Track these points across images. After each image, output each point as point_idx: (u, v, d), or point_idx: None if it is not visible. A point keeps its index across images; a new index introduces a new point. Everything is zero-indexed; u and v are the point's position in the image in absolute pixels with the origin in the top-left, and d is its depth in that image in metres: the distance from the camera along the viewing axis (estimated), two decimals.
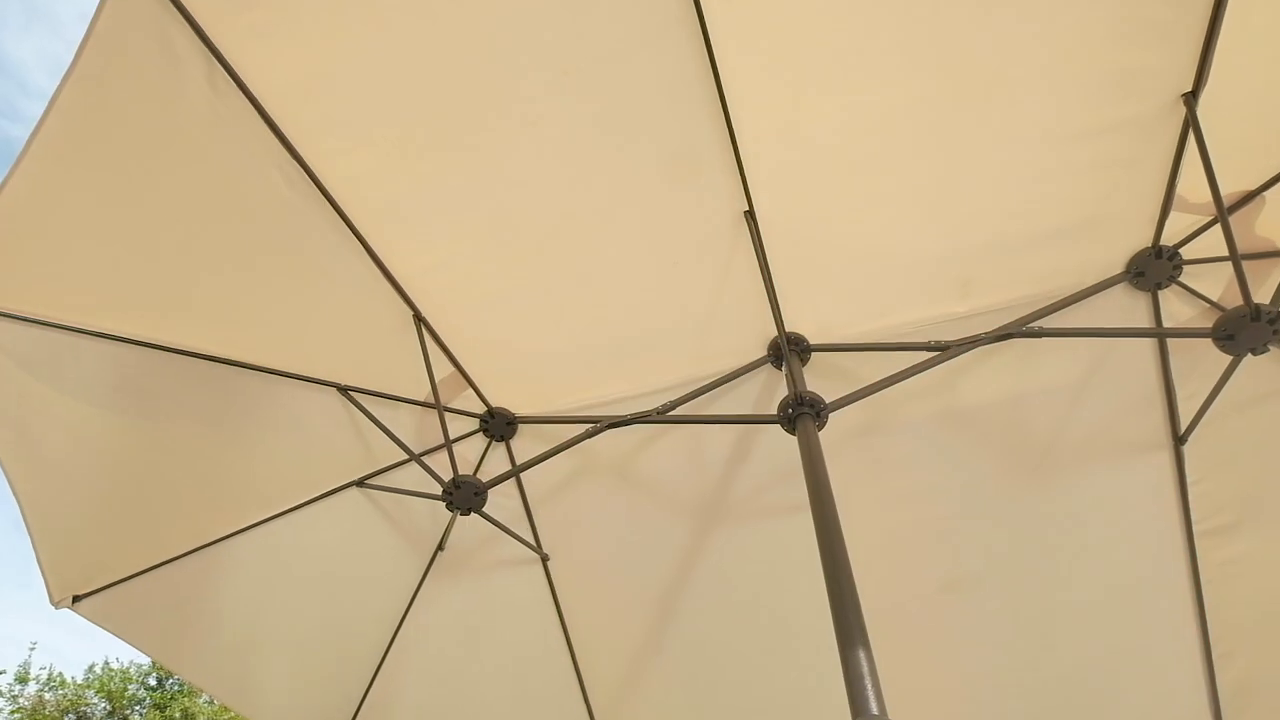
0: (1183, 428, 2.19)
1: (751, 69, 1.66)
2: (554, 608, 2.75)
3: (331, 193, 1.89)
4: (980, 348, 2.07)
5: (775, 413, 1.97)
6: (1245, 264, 1.75)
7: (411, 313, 2.22)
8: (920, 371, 2.02)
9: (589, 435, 2.23)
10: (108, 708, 13.79)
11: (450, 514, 2.64)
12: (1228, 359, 1.84)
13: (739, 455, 2.43)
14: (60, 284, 1.93)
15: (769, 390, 2.35)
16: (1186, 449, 2.22)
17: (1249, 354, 1.76)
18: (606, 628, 2.79)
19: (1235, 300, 1.79)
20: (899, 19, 1.61)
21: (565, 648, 2.78)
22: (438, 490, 2.25)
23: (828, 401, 1.93)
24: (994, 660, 2.51)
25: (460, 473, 2.23)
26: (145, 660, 14.68)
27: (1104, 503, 2.32)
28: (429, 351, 2.27)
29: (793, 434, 1.89)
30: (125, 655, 15.02)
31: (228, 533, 2.46)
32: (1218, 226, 1.83)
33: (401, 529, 2.70)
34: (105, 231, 1.87)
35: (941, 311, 2.17)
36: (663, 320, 2.26)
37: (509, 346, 2.37)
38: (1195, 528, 2.28)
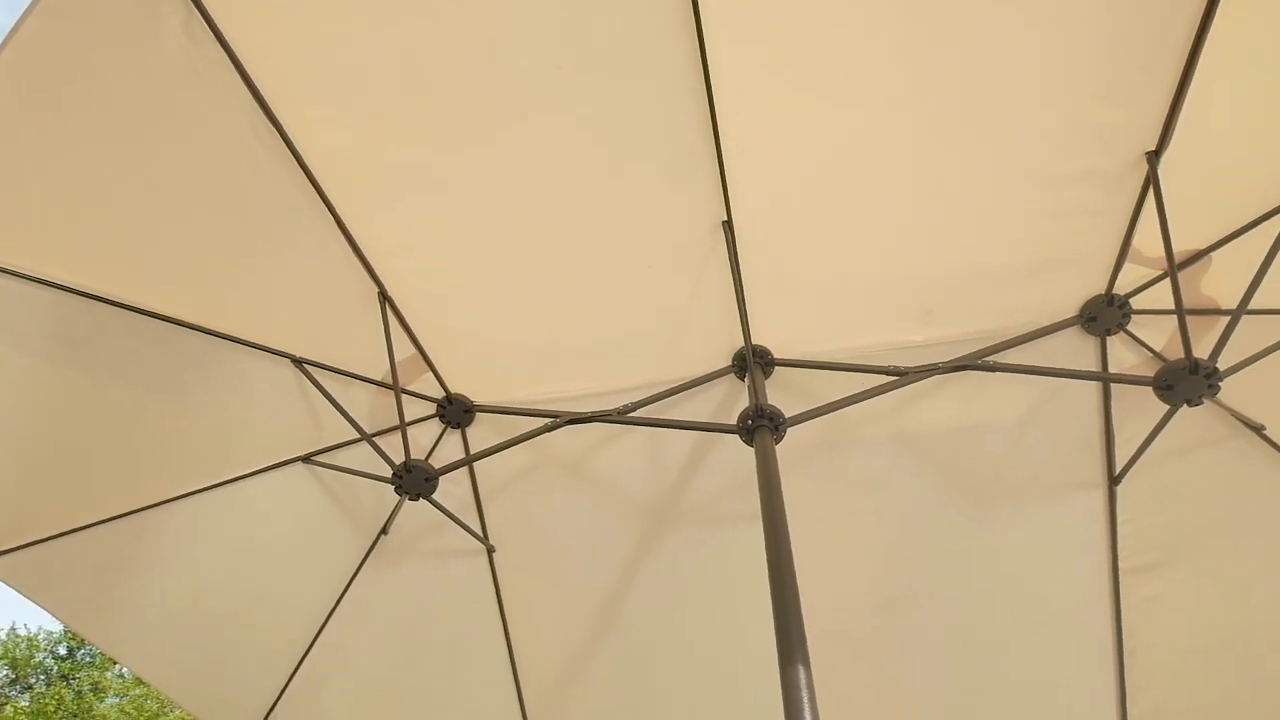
0: (1118, 469, 2.29)
1: (743, 82, 1.68)
2: (495, 600, 2.73)
3: (307, 162, 1.83)
4: (936, 376, 2.13)
5: (735, 423, 1.99)
6: (1189, 319, 1.83)
7: (377, 290, 2.17)
8: (878, 394, 2.07)
9: (547, 429, 2.22)
10: (10, 675, 13.11)
11: (398, 498, 2.59)
12: (1165, 408, 1.93)
13: (695, 462, 2.44)
14: (3, 224, 1.83)
15: (730, 400, 2.38)
16: (1120, 490, 2.32)
17: (1185, 404, 1.85)
18: (546, 624, 2.77)
19: (1177, 352, 1.88)
20: (890, 50, 1.65)
21: (503, 641, 2.76)
22: (387, 473, 2.21)
23: (787, 416, 1.96)
24: (925, 681, 2.59)
25: (412, 457, 2.19)
26: (57, 628, 14.01)
27: (1039, 535, 2.41)
28: (391, 332, 2.22)
29: (750, 445, 1.91)
30: (35, 621, 14.33)
31: (161, 499, 2.36)
32: (1167, 281, 1.92)
33: (345, 509, 2.64)
34: (58, 174, 1.77)
35: (902, 338, 2.23)
36: (631, 322, 2.26)
37: (473, 334, 2.34)
38: (1121, 565, 2.38)
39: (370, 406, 2.51)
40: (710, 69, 1.63)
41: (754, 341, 2.21)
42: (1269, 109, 1.71)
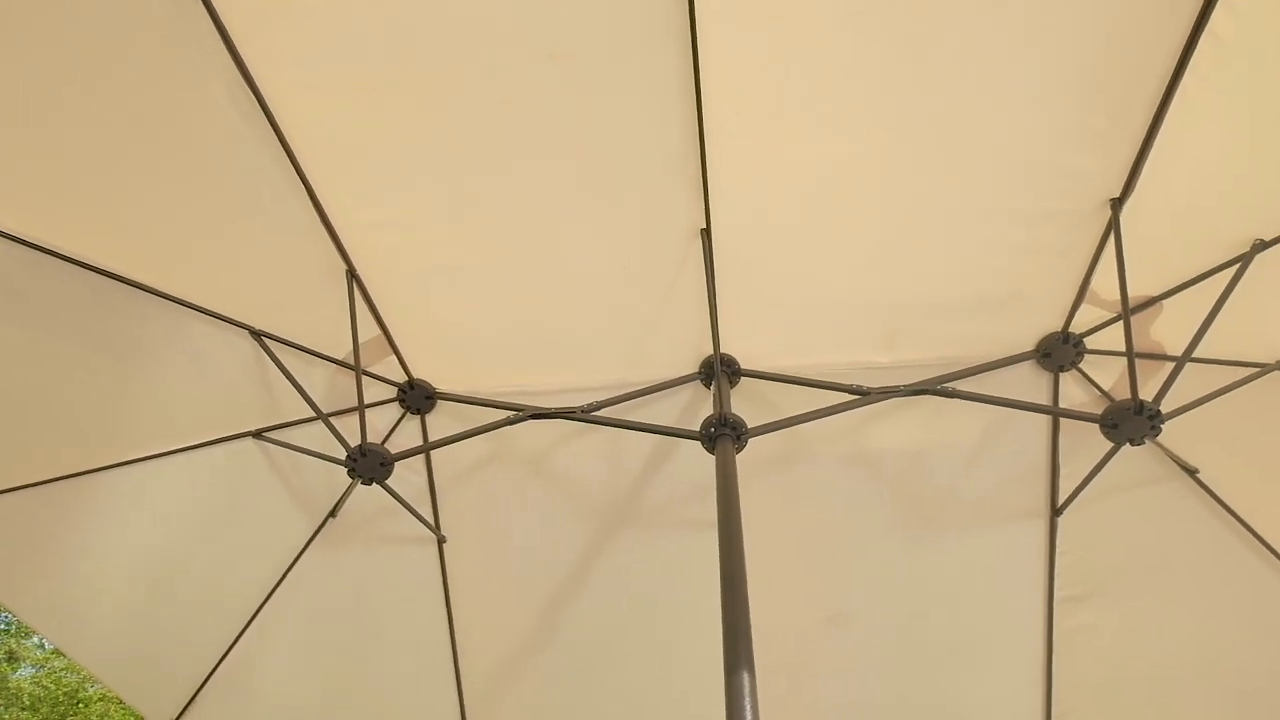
0: (1060, 501, 2.37)
1: (733, 95, 1.69)
2: (442, 591, 2.69)
3: (282, 127, 1.78)
4: (896, 398, 2.17)
5: (698, 429, 2.00)
6: (1138, 362, 1.91)
7: (345, 268, 2.12)
8: (839, 412, 2.10)
9: (509, 422, 2.20)
10: None
11: (350, 481, 2.53)
12: (1109, 445, 2.00)
13: (655, 466, 2.45)
14: None
15: (694, 406, 2.39)
16: (1061, 521, 2.40)
17: (1128, 443, 1.92)
18: (492, 618, 2.75)
19: (1124, 393, 1.96)
20: (877, 87, 1.68)
21: (447, 634, 2.72)
22: (341, 454, 2.16)
23: (749, 426, 1.97)
24: (862, 694, 2.64)
25: (369, 440, 2.15)
26: None
27: (982, 559, 2.49)
28: (356, 311, 2.18)
29: (712, 452, 1.92)
30: None
31: (98, 466, 2.27)
32: (1120, 324, 2.00)
33: (293, 489, 2.57)
34: (12, 115, 1.69)
35: (866, 359, 2.27)
36: (602, 320, 2.26)
37: (440, 320, 2.31)
38: (1056, 594, 2.47)
39: (328, 386, 2.45)
40: (701, 77, 1.64)
41: (722, 351, 2.22)
42: (1226, 168, 1.79)
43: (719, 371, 2.12)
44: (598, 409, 2.20)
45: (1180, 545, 2.37)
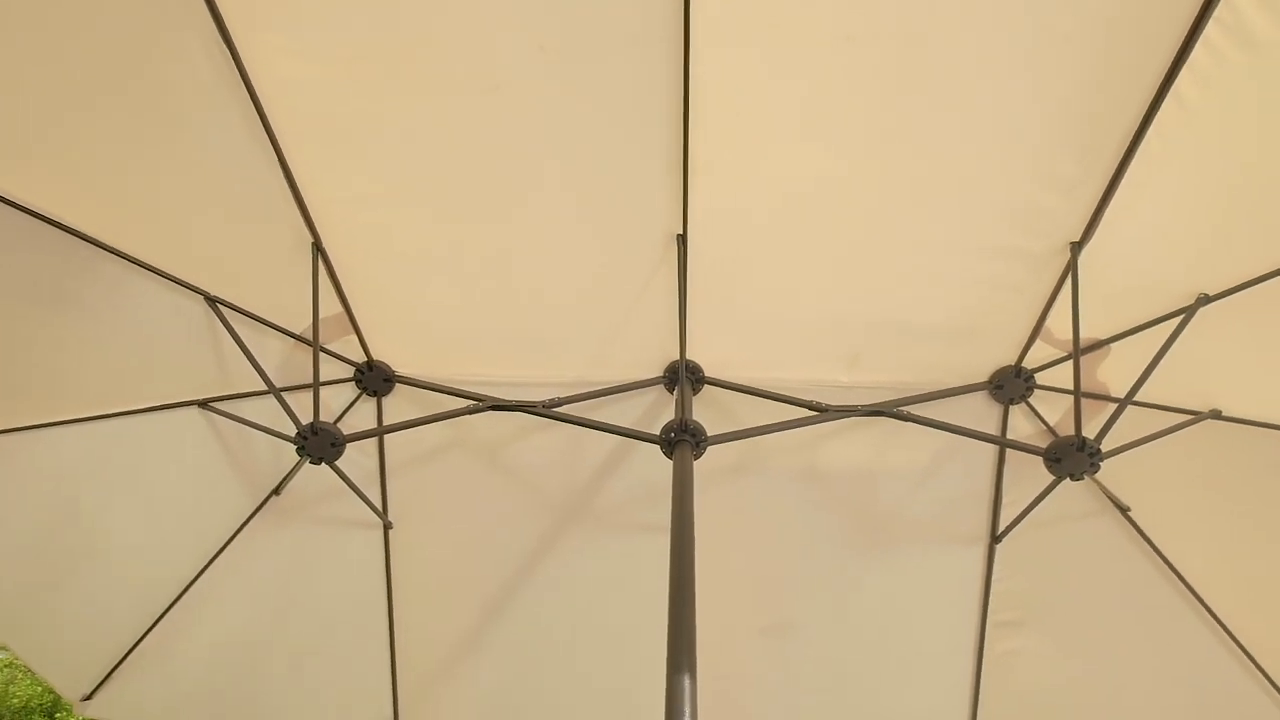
0: (1000, 529, 2.45)
1: (722, 103, 1.70)
2: (384, 579, 2.64)
3: (258, 91, 1.73)
4: (853, 418, 2.22)
5: (658, 433, 2.00)
6: (1084, 401, 1.99)
7: (311, 241, 2.07)
8: (797, 427, 2.13)
9: (469, 412, 2.17)
10: None
11: (297, 459, 2.47)
12: (1050, 478, 2.08)
13: (612, 466, 2.45)
14: None
15: (655, 410, 2.40)
16: (999, 548, 2.48)
17: (1069, 478, 2.00)
18: (434, 609, 2.71)
19: (1068, 430, 2.03)
20: (860, 117, 1.71)
21: (385, 622, 2.67)
22: (291, 431, 2.10)
23: (709, 434, 1.99)
24: (793, 705, 2.68)
25: (321, 419, 2.09)
26: None
27: (921, 580, 2.55)
28: (319, 286, 2.12)
29: (670, 457, 1.93)
30: None
31: (37, 423, 2.17)
32: (1069, 362, 2.07)
33: (237, 464, 2.50)
34: None
35: (827, 377, 2.31)
36: (570, 317, 2.25)
37: (405, 303, 2.27)
38: (990, 618, 2.54)
39: (283, 360, 2.38)
40: (691, 84, 1.65)
41: (688, 357, 2.24)
42: (1179, 223, 1.87)
43: (684, 377, 2.14)
44: (559, 405, 2.19)
45: (1109, 580, 2.47)
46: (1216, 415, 2.15)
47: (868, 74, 1.64)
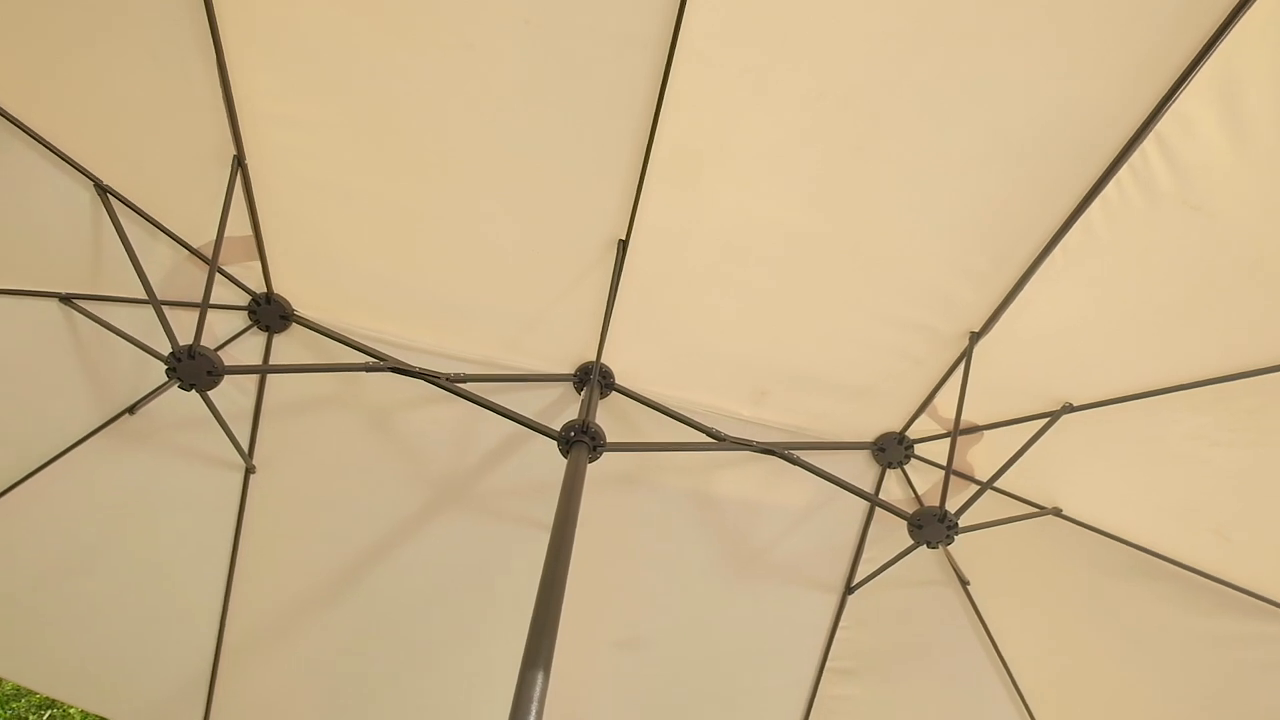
0: (855, 580, 2.60)
1: (691, 121, 1.72)
2: (234, 526, 2.46)
3: None
4: (747, 451, 2.29)
5: (558, 430, 1.99)
6: (952, 478, 2.15)
7: (234, 154, 1.92)
8: (694, 450, 2.18)
9: (366, 369, 2.08)
10: None
11: (165, 380, 2.27)
12: (909, 542, 2.23)
13: (503, 455, 2.40)
14: None
15: (558, 407, 2.38)
16: (851, 599, 2.62)
17: (925, 544, 2.15)
18: (282, 566, 2.55)
19: (934, 501, 2.19)
20: (819, 162, 1.77)
21: (225, 570, 2.49)
22: (164, 350, 1.93)
23: (608, 440, 2.00)
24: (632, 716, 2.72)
25: (202, 343, 1.94)
26: None
27: (775, 616, 2.66)
28: (231, 202, 1.97)
29: (565, 456, 1.92)
30: None
31: None
32: (947, 440, 2.24)
33: (93, 371, 2.26)
34: None
35: (731, 408, 2.37)
36: (494, 294, 2.20)
37: (320, 241, 2.14)
38: (827, 663, 2.68)
39: (171, 271, 2.19)
40: (666, 95, 1.66)
41: (602, 361, 2.24)
42: (1063, 333, 2.06)
43: (595, 379, 2.13)
44: (464, 381, 2.13)
45: (938, 645, 2.67)
46: (1058, 513, 2.38)
47: (830, 134, 1.72)
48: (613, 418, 2.36)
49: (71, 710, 5.42)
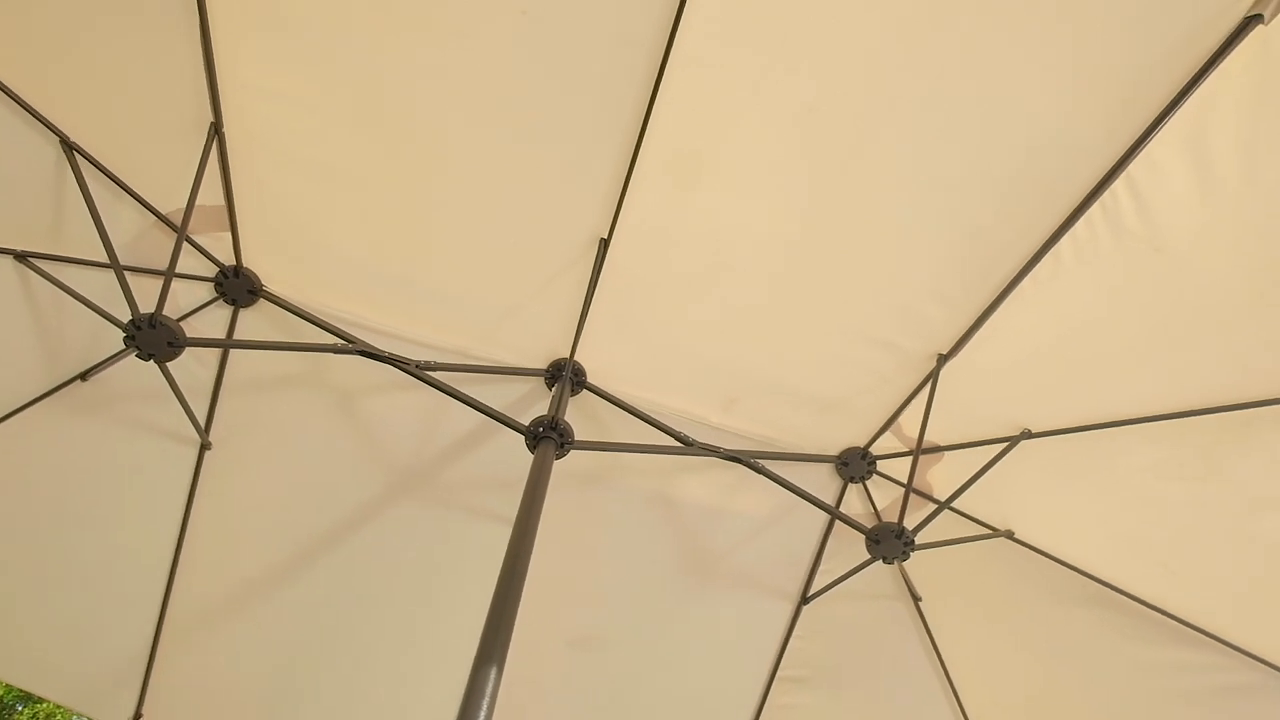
0: (811, 591, 2.62)
1: (681, 126, 1.72)
2: (184, 502, 2.39)
3: None
4: (713, 457, 2.30)
5: (526, 424, 1.97)
6: (911, 496, 2.18)
7: (211, 120, 1.87)
8: (661, 453, 2.18)
9: (335, 350, 2.04)
10: None
11: (122, 348, 2.20)
12: (866, 556, 2.25)
13: (470, 446, 2.38)
14: None
15: (528, 402, 2.36)
16: (806, 609, 2.65)
17: (882, 559, 2.18)
18: (231, 547, 2.49)
19: (892, 517, 2.22)
20: (807, 178, 1.79)
21: (172, 549, 2.42)
22: (124, 316, 1.87)
23: (576, 438, 1.99)
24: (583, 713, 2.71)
25: (165, 313, 1.88)
26: None
27: (731, 622, 2.67)
28: (205, 171, 1.92)
29: (532, 451, 1.90)
30: None
31: None
32: (909, 459, 2.27)
33: (45, 334, 2.18)
34: None
35: (701, 414, 2.38)
36: (470, 283, 2.18)
37: (293, 216, 2.10)
38: (779, 671, 2.70)
39: (136, 237, 2.12)
40: (658, 98, 1.66)
41: (575, 359, 2.23)
42: (1026, 362, 2.10)
43: (567, 377, 2.12)
44: (433, 369, 2.10)
45: (888, 658, 2.71)
46: (1010, 536, 2.44)
47: (817, 149, 1.74)
48: (582, 416, 2.35)
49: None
